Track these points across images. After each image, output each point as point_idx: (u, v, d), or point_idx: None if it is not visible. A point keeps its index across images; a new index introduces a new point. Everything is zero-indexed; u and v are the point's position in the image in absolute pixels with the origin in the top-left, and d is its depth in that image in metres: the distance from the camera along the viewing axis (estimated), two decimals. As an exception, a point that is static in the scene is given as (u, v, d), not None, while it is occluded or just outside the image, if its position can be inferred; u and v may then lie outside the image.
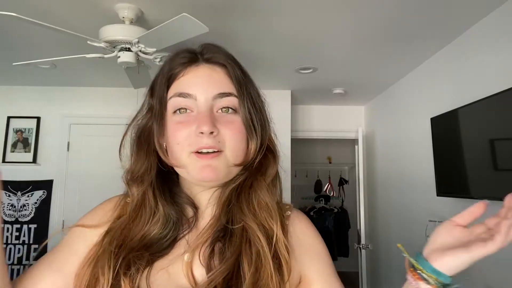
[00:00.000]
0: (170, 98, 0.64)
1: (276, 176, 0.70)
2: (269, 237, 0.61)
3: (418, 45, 2.59)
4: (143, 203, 0.66)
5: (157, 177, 0.67)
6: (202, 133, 0.59)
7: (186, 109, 0.63)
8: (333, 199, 6.30)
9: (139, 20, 2.18)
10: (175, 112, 0.64)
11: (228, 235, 0.61)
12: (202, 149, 0.60)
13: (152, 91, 0.69)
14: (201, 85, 0.63)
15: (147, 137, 0.68)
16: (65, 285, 0.62)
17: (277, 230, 0.62)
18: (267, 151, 0.70)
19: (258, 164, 0.67)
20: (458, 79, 2.46)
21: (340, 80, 3.45)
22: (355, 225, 5.44)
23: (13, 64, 2.28)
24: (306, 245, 0.67)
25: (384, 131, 3.83)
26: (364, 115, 4.50)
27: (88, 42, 1.95)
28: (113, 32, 1.96)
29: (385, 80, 3.44)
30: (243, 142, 0.64)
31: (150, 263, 0.59)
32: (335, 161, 6.55)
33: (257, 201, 0.64)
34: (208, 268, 0.59)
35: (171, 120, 0.64)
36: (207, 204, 0.67)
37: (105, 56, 2.09)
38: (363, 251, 3.59)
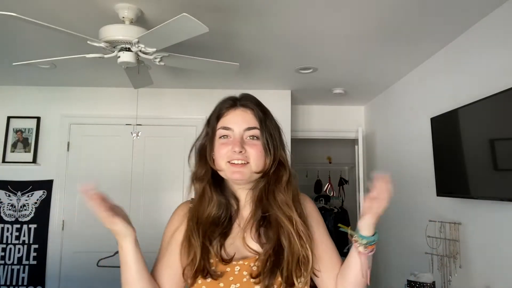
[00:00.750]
0: (218, 129, 1.00)
1: (289, 180, 1.01)
2: (291, 222, 0.96)
3: (418, 45, 2.59)
4: (203, 194, 1.01)
5: (211, 177, 1.01)
6: (234, 151, 0.95)
7: (227, 136, 0.99)
8: (333, 199, 6.30)
9: (139, 20, 2.18)
10: (220, 137, 0.99)
11: (266, 222, 0.97)
12: (234, 161, 0.96)
13: (208, 122, 1.05)
14: (236, 122, 0.98)
15: (204, 151, 1.02)
16: (176, 274, 0.98)
17: (295, 216, 0.96)
18: (279, 165, 1.01)
19: (275, 172, 1.00)
20: (458, 79, 2.46)
21: (340, 80, 3.45)
22: (355, 225, 5.43)
23: (13, 64, 2.28)
24: (313, 217, 1.06)
25: (384, 131, 3.83)
26: (364, 115, 4.50)
27: (88, 42, 1.95)
28: (113, 32, 1.96)
29: (385, 80, 3.44)
30: (261, 158, 0.97)
31: (222, 239, 0.96)
32: (335, 161, 6.55)
33: (279, 199, 0.98)
34: (260, 243, 0.95)
35: (218, 141, 0.99)
36: (245, 201, 1.03)
37: (105, 56, 2.09)
38: (363, 251, 3.59)
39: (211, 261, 0.93)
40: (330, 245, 1.07)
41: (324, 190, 6.45)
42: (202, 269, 0.92)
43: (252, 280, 0.91)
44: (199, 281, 0.93)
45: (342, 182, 6.43)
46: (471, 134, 2.17)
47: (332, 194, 6.39)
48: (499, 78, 2.03)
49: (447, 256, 2.47)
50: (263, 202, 1.00)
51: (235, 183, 1.01)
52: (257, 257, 0.94)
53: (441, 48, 2.64)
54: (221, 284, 0.92)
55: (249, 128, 0.98)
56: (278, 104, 3.84)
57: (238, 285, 0.92)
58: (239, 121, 0.99)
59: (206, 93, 3.84)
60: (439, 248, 2.58)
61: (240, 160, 0.95)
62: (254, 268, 0.93)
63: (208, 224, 0.97)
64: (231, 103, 1.02)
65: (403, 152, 3.32)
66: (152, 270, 1.00)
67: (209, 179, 1.02)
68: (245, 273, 0.93)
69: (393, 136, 3.57)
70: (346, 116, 4.49)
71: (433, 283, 2.34)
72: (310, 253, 0.95)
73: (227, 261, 0.93)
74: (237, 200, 1.04)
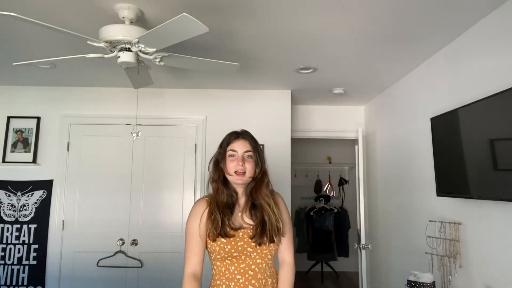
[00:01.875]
0: (228, 150, 1.61)
1: (268, 182, 1.66)
2: (270, 206, 1.59)
3: (418, 45, 2.59)
4: (218, 189, 1.63)
5: (222, 179, 1.64)
6: (239, 165, 1.58)
7: (233, 155, 1.60)
8: (333, 199, 6.30)
9: (139, 20, 2.18)
10: (229, 156, 1.61)
11: (255, 207, 1.60)
12: (238, 171, 1.58)
13: (221, 146, 1.66)
14: (239, 147, 1.61)
15: (218, 163, 1.65)
16: (203, 248, 1.62)
17: (271, 203, 1.61)
18: (263, 173, 1.65)
19: (261, 177, 1.64)
20: (458, 79, 2.46)
21: (340, 80, 3.46)
22: (355, 225, 5.43)
23: (13, 64, 2.28)
24: (280, 206, 1.67)
25: (384, 131, 3.83)
26: (364, 115, 4.50)
27: (88, 42, 1.95)
28: (113, 32, 1.96)
29: (385, 80, 3.44)
30: (253, 169, 1.60)
31: (230, 216, 1.56)
32: (335, 161, 6.55)
33: (262, 193, 1.62)
34: (252, 219, 1.58)
35: (228, 159, 1.61)
36: (241, 194, 1.65)
37: (105, 56, 2.09)
38: (363, 251, 3.59)
39: (227, 227, 1.53)
40: (288, 225, 1.67)
41: (324, 190, 6.45)
42: (221, 232, 1.52)
43: (250, 239, 1.54)
44: (220, 240, 1.53)
45: (342, 182, 6.44)
46: (471, 134, 2.17)
47: (332, 194, 6.40)
48: (499, 78, 2.03)
49: (447, 256, 2.47)
50: (252, 195, 1.62)
51: (237, 183, 1.62)
52: (251, 227, 1.57)
53: (441, 48, 2.65)
54: (233, 243, 1.53)
55: (247, 151, 1.61)
56: (278, 104, 3.84)
57: (242, 242, 1.54)
58: (241, 147, 1.61)
59: (206, 93, 3.84)
60: (439, 248, 2.58)
61: (241, 170, 1.58)
62: (250, 233, 1.55)
63: (223, 206, 1.58)
64: (236, 135, 1.65)
65: (403, 152, 3.32)
66: (189, 249, 1.65)
67: (221, 180, 1.64)
68: (245, 236, 1.55)
69: (393, 136, 3.57)
70: (346, 116, 4.49)
71: (433, 283, 2.34)
72: (280, 224, 1.58)
73: (235, 229, 1.55)
74: (236, 193, 1.65)
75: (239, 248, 1.52)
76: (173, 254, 3.59)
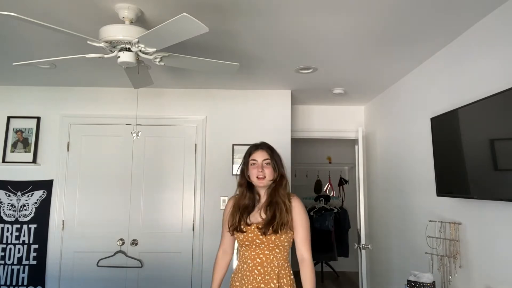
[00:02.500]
0: (250, 160, 1.98)
1: (286, 184, 2.00)
2: (284, 204, 1.91)
3: (418, 45, 2.59)
4: (242, 193, 2.01)
5: (247, 184, 2.01)
6: (259, 171, 1.94)
7: (254, 163, 1.96)
8: (333, 199, 6.30)
9: (139, 20, 2.18)
10: (251, 164, 1.97)
11: (271, 205, 1.92)
12: (259, 176, 1.94)
13: (245, 157, 2.01)
14: (258, 157, 1.97)
15: (244, 171, 2.00)
16: (231, 241, 2.08)
17: (286, 202, 1.92)
18: (281, 176, 1.99)
19: (279, 180, 1.98)
20: (458, 79, 2.46)
21: (340, 80, 3.46)
22: (355, 225, 5.43)
23: (13, 64, 2.28)
24: (297, 215, 1.95)
25: (384, 131, 3.83)
26: (364, 115, 4.50)
27: (88, 42, 1.95)
28: (113, 32, 1.96)
29: (385, 80, 3.44)
30: (272, 174, 1.96)
31: (247, 214, 1.95)
32: (335, 161, 6.55)
33: (280, 193, 1.95)
34: (266, 214, 1.92)
35: (250, 167, 1.97)
36: (264, 194, 2.00)
37: (105, 56, 2.09)
38: (363, 251, 3.59)
39: (242, 224, 1.91)
40: (303, 226, 1.94)
41: (324, 190, 6.45)
42: (237, 228, 1.92)
43: (257, 230, 1.88)
44: (237, 234, 1.93)
45: (342, 182, 6.44)
46: (471, 134, 2.17)
47: (332, 194, 6.39)
48: (499, 78, 2.03)
49: (447, 256, 2.47)
50: (271, 194, 1.96)
51: (259, 187, 1.98)
52: (262, 220, 1.90)
53: (441, 48, 2.65)
54: (245, 233, 1.90)
55: (265, 159, 1.96)
56: (278, 104, 3.84)
57: (252, 234, 1.89)
58: (259, 156, 1.97)
59: (206, 93, 3.84)
60: (439, 248, 2.58)
61: (262, 175, 1.94)
62: (260, 226, 1.88)
63: (243, 208, 1.96)
64: (255, 147, 2.01)
65: (403, 152, 3.32)
66: (222, 232, 2.07)
67: (246, 185, 2.00)
68: (256, 229, 1.88)
69: (393, 136, 3.57)
70: (346, 116, 4.49)
71: (433, 283, 2.34)
72: (289, 220, 1.89)
73: (249, 225, 1.91)
74: (259, 194, 2.01)
75: (250, 239, 1.89)
76: (173, 254, 3.60)
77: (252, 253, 1.90)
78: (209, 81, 3.58)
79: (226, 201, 3.61)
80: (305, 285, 1.85)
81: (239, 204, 1.97)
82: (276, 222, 1.84)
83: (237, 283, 1.93)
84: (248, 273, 1.89)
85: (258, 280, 1.86)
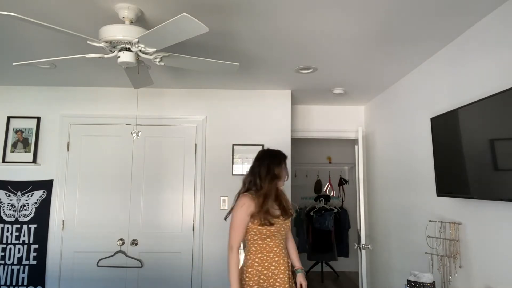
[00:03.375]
0: (281, 165, 2.32)
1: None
2: (284, 195, 2.40)
3: (418, 45, 2.59)
4: (271, 189, 2.27)
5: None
6: (287, 175, 2.40)
7: (286, 169, 2.36)
8: (333, 199, 6.30)
9: (139, 20, 2.18)
10: (283, 168, 2.34)
11: (278, 198, 2.30)
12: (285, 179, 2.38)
13: (279, 162, 2.32)
14: (285, 165, 2.38)
15: (272, 172, 2.28)
16: (245, 230, 2.23)
17: (284, 193, 2.40)
18: None
19: None
20: (458, 79, 2.46)
21: (340, 80, 3.46)
22: (355, 225, 5.43)
23: (13, 64, 2.28)
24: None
25: (384, 131, 3.83)
26: (364, 115, 4.50)
27: (88, 42, 1.95)
28: (113, 32, 1.96)
29: (385, 80, 3.44)
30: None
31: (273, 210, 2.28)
32: (335, 161, 6.55)
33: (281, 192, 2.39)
34: (277, 205, 2.29)
35: (281, 169, 2.31)
36: (281, 193, 2.39)
37: (105, 56, 2.09)
38: (363, 251, 3.59)
39: (270, 217, 2.16)
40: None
41: (324, 190, 6.45)
42: (267, 221, 2.16)
43: (281, 218, 2.24)
44: (266, 226, 2.15)
45: (342, 182, 6.43)
46: (471, 134, 2.17)
47: (332, 194, 6.39)
48: (499, 78, 2.03)
49: (447, 256, 2.47)
50: (278, 191, 2.31)
51: (280, 186, 2.32)
52: (280, 211, 2.26)
53: (441, 48, 2.65)
54: (275, 225, 2.19)
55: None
56: (278, 104, 3.85)
57: (278, 225, 2.20)
58: (286, 164, 2.37)
59: (206, 93, 3.84)
60: (439, 248, 2.58)
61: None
62: (281, 216, 2.25)
63: (271, 203, 2.21)
64: (285, 156, 2.36)
65: (403, 152, 3.32)
66: (238, 232, 2.16)
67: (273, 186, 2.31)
68: (280, 220, 2.23)
69: (393, 136, 3.57)
70: (346, 116, 4.49)
71: (433, 283, 2.34)
72: (289, 204, 2.36)
73: (276, 217, 2.20)
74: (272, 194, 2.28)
75: (279, 229, 2.22)
76: (173, 254, 3.60)
77: (277, 241, 2.22)
78: (209, 81, 3.58)
79: (227, 201, 3.67)
80: (295, 252, 2.43)
81: (267, 198, 2.19)
82: (287, 208, 2.29)
83: (272, 267, 2.19)
84: (276, 258, 2.21)
85: (286, 260, 2.25)
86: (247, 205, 2.16)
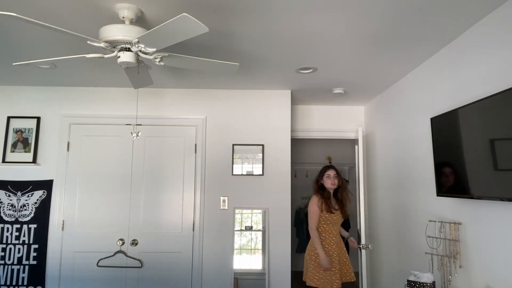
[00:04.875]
0: (326, 173, 3.34)
1: (346, 186, 3.45)
2: (348, 198, 3.42)
3: (418, 45, 2.59)
4: (324, 191, 3.34)
5: (322, 187, 3.40)
6: (333, 182, 3.33)
7: (328, 176, 3.32)
8: (333, 199, 6.28)
9: (139, 20, 2.18)
10: (327, 177, 3.34)
11: (338, 199, 3.35)
12: (332, 183, 3.32)
13: (321, 172, 3.41)
14: (331, 171, 3.34)
15: (319, 182, 3.40)
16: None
17: (348, 197, 3.44)
18: (342, 182, 3.38)
19: (342, 185, 3.38)
20: (458, 79, 2.46)
21: (340, 80, 3.46)
22: (355, 225, 5.43)
23: (13, 64, 2.28)
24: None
25: (384, 131, 3.83)
26: (364, 115, 4.50)
27: (88, 42, 1.95)
28: (113, 32, 1.96)
29: (385, 80, 3.44)
30: (337, 183, 3.34)
31: (331, 204, 3.31)
32: (335, 161, 6.54)
33: (343, 192, 3.39)
34: (337, 204, 3.35)
35: (326, 176, 3.35)
36: (332, 193, 3.35)
37: (105, 56, 2.09)
38: (363, 251, 3.59)
39: (331, 208, 3.21)
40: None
41: (324, 190, 6.43)
42: (330, 209, 3.19)
43: (338, 213, 3.27)
44: (327, 214, 3.19)
45: (342, 182, 6.42)
46: (471, 134, 2.17)
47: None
48: (499, 78, 2.03)
49: (447, 256, 2.47)
50: (337, 194, 3.32)
51: (330, 189, 3.28)
52: (339, 209, 3.29)
53: (441, 48, 2.65)
54: (333, 215, 3.21)
55: (335, 174, 3.29)
56: (278, 104, 3.85)
57: (336, 217, 3.23)
58: (332, 172, 3.29)
59: (206, 93, 3.84)
60: (439, 248, 2.58)
61: (334, 183, 3.27)
62: (339, 211, 3.29)
63: (329, 199, 3.24)
64: (329, 167, 3.34)
65: (403, 152, 3.32)
66: (315, 220, 3.20)
67: (321, 187, 3.32)
68: (337, 215, 3.25)
69: (393, 136, 3.57)
70: (346, 116, 4.49)
71: (433, 283, 2.34)
72: (348, 208, 3.36)
73: (335, 210, 3.23)
74: (329, 193, 3.27)
75: (335, 219, 3.21)
76: (173, 254, 3.60)
77: (335, 227, 3.22)
78: (209, 81, 3.58)
79: (227, 201, 3.77)
80: (343, 230, 3.44)
81: (325, 198, 3.22)
82: (344, 208, 3.30)
83: (334, 246, 3.18)
84: (334, 238, 3.21)
85: (339, 237, 3.28)
86: (320, 201, 3.23)
